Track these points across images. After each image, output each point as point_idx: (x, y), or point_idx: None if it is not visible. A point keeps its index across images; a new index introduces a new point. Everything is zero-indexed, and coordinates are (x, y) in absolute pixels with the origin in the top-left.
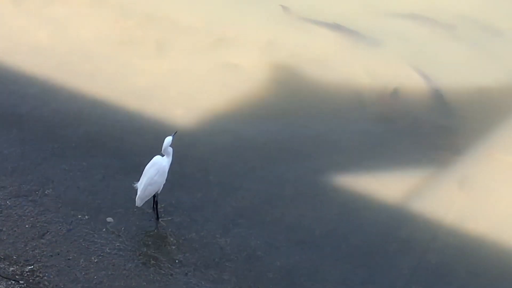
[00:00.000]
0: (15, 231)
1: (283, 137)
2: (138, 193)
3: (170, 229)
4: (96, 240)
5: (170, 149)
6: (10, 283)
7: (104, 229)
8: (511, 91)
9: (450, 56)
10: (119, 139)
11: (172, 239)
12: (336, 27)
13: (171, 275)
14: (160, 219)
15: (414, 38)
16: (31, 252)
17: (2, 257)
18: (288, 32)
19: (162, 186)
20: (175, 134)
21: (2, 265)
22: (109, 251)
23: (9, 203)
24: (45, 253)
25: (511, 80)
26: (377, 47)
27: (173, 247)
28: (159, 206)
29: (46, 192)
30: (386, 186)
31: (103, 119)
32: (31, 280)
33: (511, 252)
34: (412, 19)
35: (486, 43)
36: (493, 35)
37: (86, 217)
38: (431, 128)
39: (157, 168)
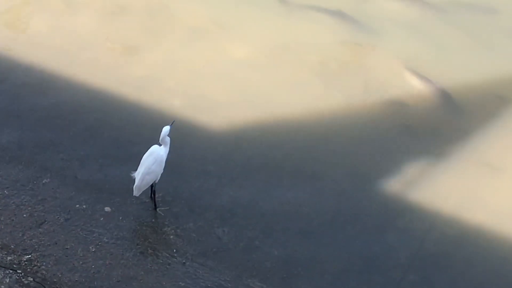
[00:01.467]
0: (12, 220)
1: (280, 126)
2: (136, 182)
3: (167, 219)
4: (94, 229)
5: (168, 139)
6: (7, 272)
7: (102, 219)
8: (506, 79)
9: (445, 44)
10: (117, 128)
11: (169, 229)
12: (334, 13)
13: (169, 264)
14: (158, 209)
15: (408, 24)
16: (28, 241)
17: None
18: (286, 21)
19: (160, 175)
20: (173, 123)
21: (0, 255)
22: (107, 240)
23: (6, 193)
24: (42, 242)
25: (506, 67)
26: (372, 35)
27: (171, 236)
28: (156, 196)
29: (44, 182)
30: (384, 176)
31: (101, 109)
32: (28, 270)
33: (508, 242)
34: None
35: (477, 26)
36: (484, 16)
37: (84, 206)
38: (429, 118)
39: (154, 158)
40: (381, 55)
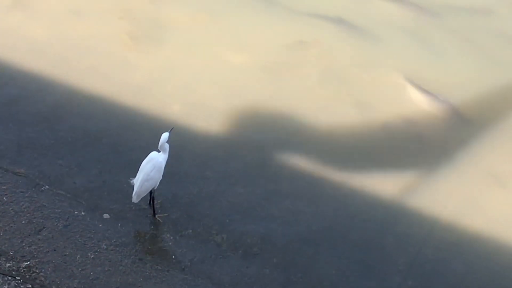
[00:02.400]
0: (11, 227)
1: (279, 133)
2: (135, 189)
3: (166, 225)
4: (92, 236)
5: (167, 146)
6: (6, 279)
7: (100, 225)
8: (504, 85)
9: (443, 49)
10: (116, 134)
11: (168, 235)
12: (334, 20)
13: (168, 271)
14: (156, 215)
15: (405, 29)
16: (27, 248)
17: None
18: (285, 26)
19: (159, 182)
20: (171, 130)
21: None
22: (105, 247)
23: (5, 199)
24: (41, 249)
25: (503, 72)
26: (370, 41)
27: (170, 243)
28: (155, 202)
29: (42, 188)
30: (382, 181)
31: (100, 114)
32: (27, 276)
33: (507, 248)
34: (398, 3)
35: (473, 30)
36: (479, 19)
37: (83, 213)
38: (428, 125)
39: (153, 164)
40: (380, 62)
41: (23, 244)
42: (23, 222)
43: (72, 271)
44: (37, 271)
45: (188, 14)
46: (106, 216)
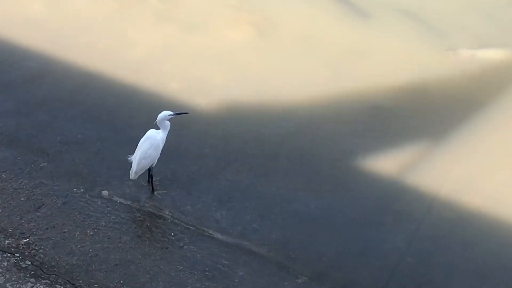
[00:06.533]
0: (10, 204)
1: (278, 110)
2: (133, 166)
3: (165, 202)
4: (91, 213)
5: (168, 124)
6: (5, 255)
7: (99, 202)
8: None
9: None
10: (114, 112)
11: (167, 212)
12: None
13: (167, 248)
14: (155, 192)
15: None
16: (26, 225)
17: None
18: (282, 2)
19: (157, 160)
20: (180, 114)
21: None
22: (104, 224)
23: (4, 176)
24: (40, 226)
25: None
26: (366, 16)
27: (168, 220)
28: (154, 179)
29: (41, 165)
30: (381, 158)
31: (98, 92)
32: (26, 253)
33: (506, 225)
34: None
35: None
36: None
37: (82, 190)
38: (427, 101)
39: (151, 142)
40: (377, 38)
41: (22, 221)
42: (22, 199)
43: (71, 248)
44: (36, 248)
45: None
46: (105, 193)
